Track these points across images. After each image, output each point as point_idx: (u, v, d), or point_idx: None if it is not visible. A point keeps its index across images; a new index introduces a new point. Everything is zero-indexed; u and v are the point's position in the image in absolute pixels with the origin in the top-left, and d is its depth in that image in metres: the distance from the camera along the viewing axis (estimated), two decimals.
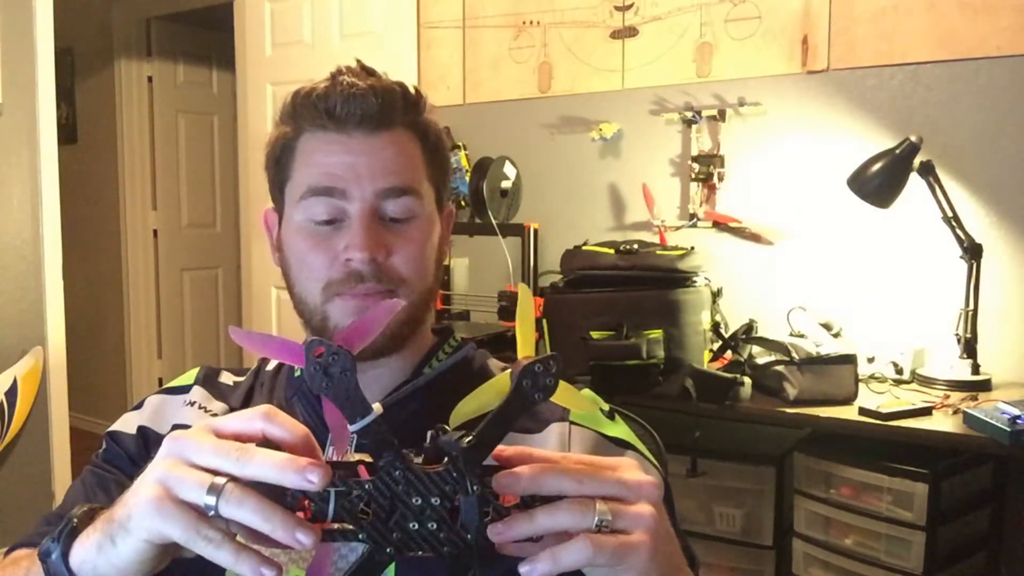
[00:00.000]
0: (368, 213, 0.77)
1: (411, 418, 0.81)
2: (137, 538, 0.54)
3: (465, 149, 2.75)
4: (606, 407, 0.86)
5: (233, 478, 0.52)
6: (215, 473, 0.52)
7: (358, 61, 0.81)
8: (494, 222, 2.57)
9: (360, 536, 0.52)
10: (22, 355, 2.56)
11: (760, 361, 1.99)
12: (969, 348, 1.97)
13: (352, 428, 0.53)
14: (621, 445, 0.81)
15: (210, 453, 0.53)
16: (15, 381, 2.50)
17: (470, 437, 0.53)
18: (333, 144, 0.78)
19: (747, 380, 1.90)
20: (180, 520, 0.52)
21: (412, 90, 0.81)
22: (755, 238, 2.41)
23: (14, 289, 2.55)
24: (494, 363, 0.91)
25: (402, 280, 0.78)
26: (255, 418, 0.56)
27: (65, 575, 0.57)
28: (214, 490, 0.51)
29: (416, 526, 0.53)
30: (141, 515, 0.53)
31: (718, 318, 2.22)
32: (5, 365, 2.50)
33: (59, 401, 2.71)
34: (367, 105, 0.76)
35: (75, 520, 0.59)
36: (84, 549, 0.57)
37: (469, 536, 0.53)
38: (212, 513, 0.51)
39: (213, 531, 0.52)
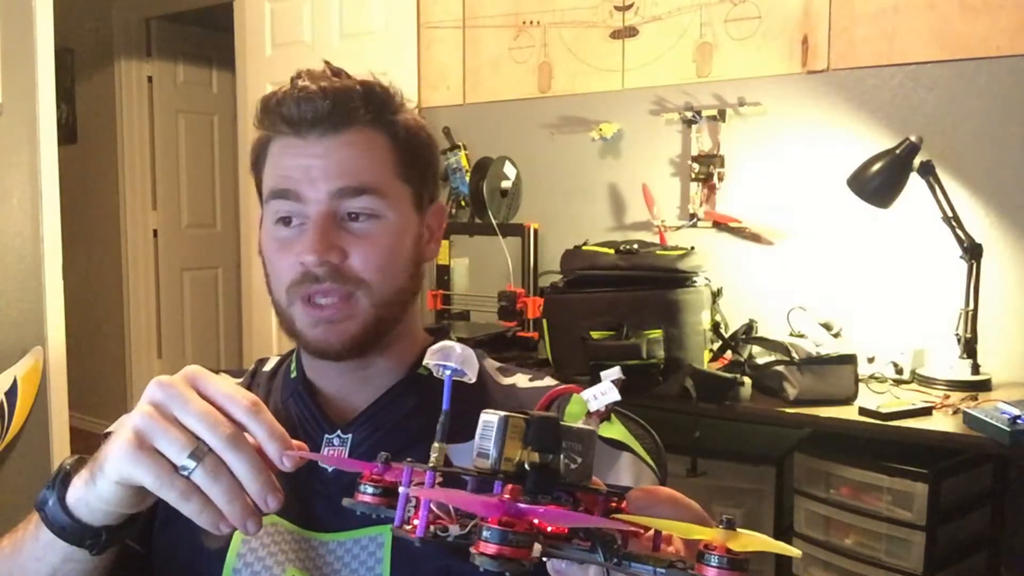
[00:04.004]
0: (323, 216, 0.76)
1: (409, 413, 0.81)
2: (110, 480, 0.57)
3: (465, 149, 2.75)
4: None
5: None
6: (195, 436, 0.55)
7: (326, 63, 0.82)
8: (494, 222, 2.57)
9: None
10: (22, 355, 2.55)
11: (760, 361, 1.99)
12: (969, 348, 1.97)
13: None
14: (616, 446, 0.80)
15: (196, 419, 0.56)
16: (15, 381, 2.50)
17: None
18: (291, 148, 0.78)
19: (747, 380, 1.90)
20: (152, 469, 0.55)
21: (379, 88, 0.80)
22: (755, 238, 2.40)
23: (14, 289, 2.55)
24: (489, 363, 0.91)
25: (360, 281, 0.77)
26: (239, 406, 0.57)
27: (62, 516, 0.61)
28: (196, 456, 0.55)
29: None
30: (115, 459, 0.56)
31: (718, 318, 2.22)
32: (5, 365, 2.50)
33: (59, 401, 2.70)
34: (317, 108, 0.77)
35: (68, 467, 0.63)
36: (76, 488, 0.60)
37: None
38: (185, 474, 0.55)
39: (183, 482, 0.55)
